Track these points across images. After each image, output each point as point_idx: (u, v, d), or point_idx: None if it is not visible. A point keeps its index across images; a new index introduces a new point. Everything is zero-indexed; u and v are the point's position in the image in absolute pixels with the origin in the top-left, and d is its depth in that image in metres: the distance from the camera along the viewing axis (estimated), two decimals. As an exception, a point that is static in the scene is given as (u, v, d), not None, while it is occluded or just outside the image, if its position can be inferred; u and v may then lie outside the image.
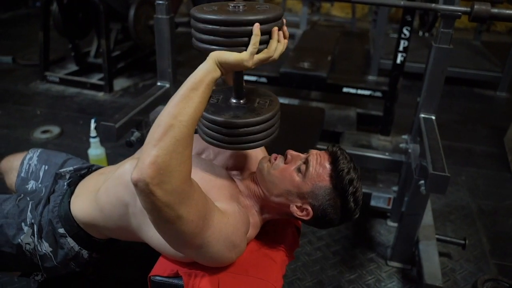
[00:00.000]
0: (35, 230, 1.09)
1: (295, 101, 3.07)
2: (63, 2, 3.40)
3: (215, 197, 0.94)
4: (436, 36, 1.65)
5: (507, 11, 1.40)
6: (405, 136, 2.03)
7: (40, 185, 1.29)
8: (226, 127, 0.96)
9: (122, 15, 3.42)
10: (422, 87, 1.74)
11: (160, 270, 1.00)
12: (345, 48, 4.63)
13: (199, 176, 0.95)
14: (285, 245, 1.12)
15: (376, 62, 3.93)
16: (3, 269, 1.25)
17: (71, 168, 1.23)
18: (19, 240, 1.09)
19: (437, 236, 1.86)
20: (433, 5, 1.54)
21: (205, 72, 0.84)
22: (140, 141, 1.76)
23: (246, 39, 0.86)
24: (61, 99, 3.39)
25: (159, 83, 1.96)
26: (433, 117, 1.76)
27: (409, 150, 1.88)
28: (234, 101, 1.03)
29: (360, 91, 2.80)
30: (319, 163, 1.00)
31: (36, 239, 1.09)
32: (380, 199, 2.09)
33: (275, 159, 1.05)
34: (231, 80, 0.94)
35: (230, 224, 0.92)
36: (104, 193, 1.04)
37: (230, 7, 0.90)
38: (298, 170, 1.01)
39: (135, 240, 1.06)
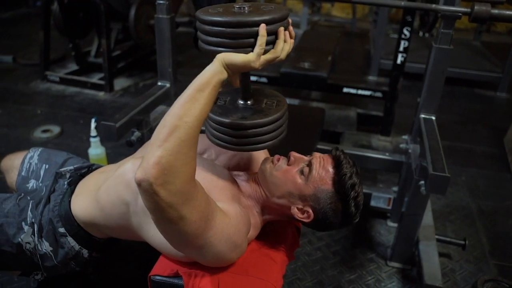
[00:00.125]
0: (35, 229, 1.09)
1: (295, 101, 3.07)
2: (63, 2, 3.40)
3: (216, 197, 0.94)
4: (436, 36, 1.65)
5: (507, 12, 1.40)
6: (405, 137, 2.03)
7: (40, 184, 1.29)
8: (234, 129, 0.96)
9: (123, 15, 3.42)
10: (423, 88, 1.74)
11: (160, 269, 1.00)
12: (345, 48, 4.63)
13: (201, 176, 0.96)
14: (285, 245, 1.12)
15: (377, 62, 3.93)
16: (3, 268, 1.26)
17: (71, 167, 1.23)
18: (20, 239, 1.09)
19: (437, 237, 1.86)
20: (434, 5, 1.54)
21: (212, 74, 0.83)
22: (141, 141, 1.77)
23: (252, 40, 0.86)
24: (61, 98, 3.40)
25: (159, 83, 1.96)
26: (433, 118, 1.76)
27: (409, 151, 1.89)
28: (242, 102, 1.03)
29: (360, 91, 2.81)
30: (322, 166, 1.00)
31: (36, 238, 1.09)
32: (380, 199, 2.09)
33: (278, 160, 1.05)
34: (236, 81, 0.94)
35: (232, 224, 0.92)
36: (104, 192, 1.04)
37: (235, 8, 0.89)
38: (301, 172, 1.00)
39: (135, 239, 1.06)
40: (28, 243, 1.09)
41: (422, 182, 1.57)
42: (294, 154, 1.05)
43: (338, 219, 1.00)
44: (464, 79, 3.88)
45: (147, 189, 0.75)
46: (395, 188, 2.07)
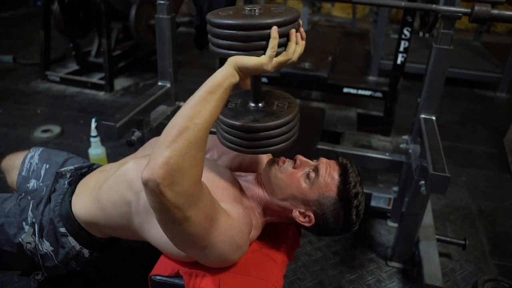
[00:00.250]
0: (36, 229, 1.09)
1: (295, 101, 3.07)
2: (64, 1, 3.40)
3: (219, 198, 0.94)
4: (436, 37, 1.66)
5: (507, 12, 1.41)
6: (405, 137, 2.03)
7: (41, 184, 1.29)
8: (246, 132, 0.95)
9: (123, 15, 3.42)
10: (423, 88, 1.75)
11: (161, 269, 1.00)
12: (345, 49, 4.63)
13: (203, 176, 0.96)
14: (285, 245, 1.13)
15: (377, 62, 3.93)
16: (4, 268, 1.26)
17: (72, 167, 1.23)
18: (20, 239, 1.09)
19: (437, 237, 1.86)
20: (434, 6, 1.54)
21: (224, 76, 0.83)
22: (141, 141, 1.77)
23: (264, 42, 0.85)
24: (61, 98, 3.40)
25: (160, 83, 1.96)
26: (434, 118, 1.76)
27: (410, 151, 1.89)
28: (253, 104, 1.02)
29: (360, 92, 2.80)
30: (328, 173, 1.00)
31: (37, 238, 1.09)
32: (381, 199, 2.09)
33: (284, 163, 1.05)
34: (245, 83, 0.93)
35: (235, 226, 0.92)
36: (106, 191, 1.04)
37: (246, 10, 0.89)
38: (307, 176, 1.00)
39: (136, 239, 1.06)
40: (29, 243, 1.09)
41: (422, 182, 1.57)
42: (300, 158, 1.04)
43: (338, 226, 1.01)
44: (464, 80, 3.88)
45: (153, 189, 0.75)
46: (395, 188, 2.07)
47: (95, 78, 3.62)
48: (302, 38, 0.92)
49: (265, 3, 4.98)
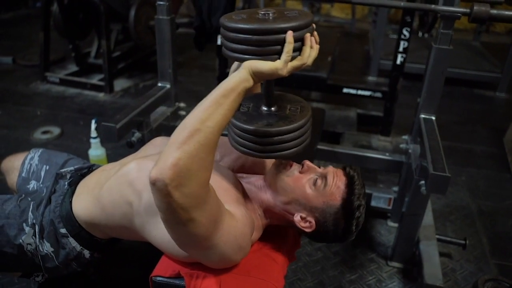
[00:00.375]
0: (36, 231, 1.09)
1: (295, 102, 3.07)
2: (63, 3, 3.40)
3: (222, 199, 0.94)
4: (435, 37, 1.66)
5: (506, 12, 1.41)
6: (405, 137, 2.03)
7: (41, 185, 1.29)
8: (260, 136, 0.95)
9: (123, 16, 3.42)
10: (422, 88, 1.75)
11: (162, 270, 1.00)
12: (345, 49, 4.63)
13: None
14: (286, 246, 1.13)
15: (376, 62, 3.93)
16: (4, 269, 1.26)
17: (72, 168, 1.23)
18: (21, 240, 1.09)
19: (437, 236, 1.86)
20: (433, 6, 1.54)
21: (238, 81, 0.83)
22: (141, 142, 1.77)
23: (279, 47, 0.85)
24: (61, 99, 3.40)
25: (159, 84, 1.97)
26: (433, 118, 1.76)
27: (410, 151, 1.89)
28: (265, 108, 1.02)
29: (360, 92, 2.80)
30: (335, 182, 1.00)
31: (37, 239, 1.09)
32: (381, 199, 2.09)
33: (291, 166, 1.05)
34: (254, 88, 0.93)
35: (238, 227, 0.93)
36: (106, 191, 1.04)
37: (260, 14, 0.88)
38: (313, 183, 1.01)
39: (137, 239, 1.06)
40: (29, 244, 1.09)
41: (423, 182, 1.57)
42: (307, 163, 1.05)
43: (337, 235, 1.02)
44: (464, 80, 3.88)
45: (161, 189, 0.75)
46: (396, 188, 2.07)
47: (95, 79, 3.62)
48: (316, 42, 0.92)
49: (265, 4, 4.98)
